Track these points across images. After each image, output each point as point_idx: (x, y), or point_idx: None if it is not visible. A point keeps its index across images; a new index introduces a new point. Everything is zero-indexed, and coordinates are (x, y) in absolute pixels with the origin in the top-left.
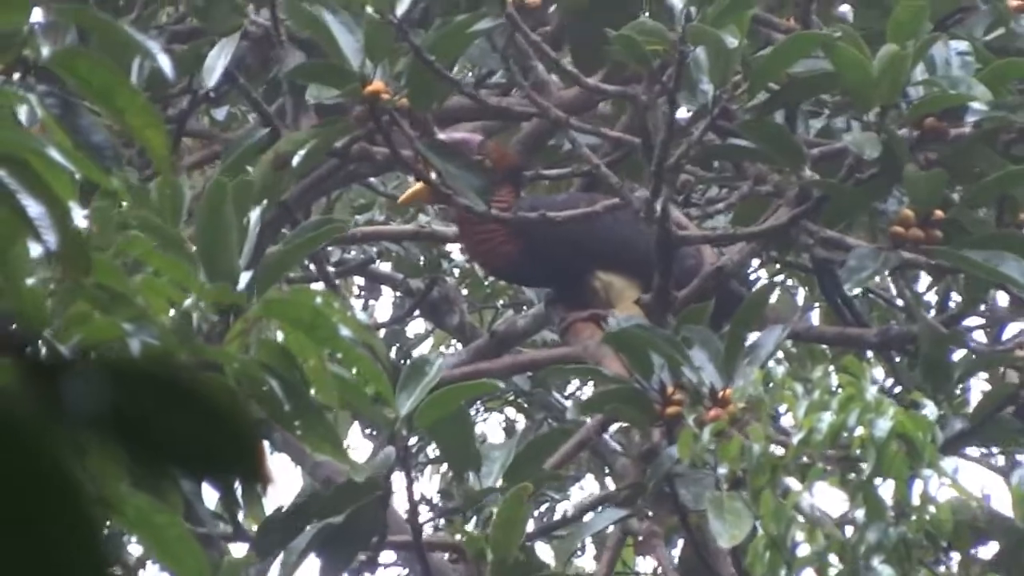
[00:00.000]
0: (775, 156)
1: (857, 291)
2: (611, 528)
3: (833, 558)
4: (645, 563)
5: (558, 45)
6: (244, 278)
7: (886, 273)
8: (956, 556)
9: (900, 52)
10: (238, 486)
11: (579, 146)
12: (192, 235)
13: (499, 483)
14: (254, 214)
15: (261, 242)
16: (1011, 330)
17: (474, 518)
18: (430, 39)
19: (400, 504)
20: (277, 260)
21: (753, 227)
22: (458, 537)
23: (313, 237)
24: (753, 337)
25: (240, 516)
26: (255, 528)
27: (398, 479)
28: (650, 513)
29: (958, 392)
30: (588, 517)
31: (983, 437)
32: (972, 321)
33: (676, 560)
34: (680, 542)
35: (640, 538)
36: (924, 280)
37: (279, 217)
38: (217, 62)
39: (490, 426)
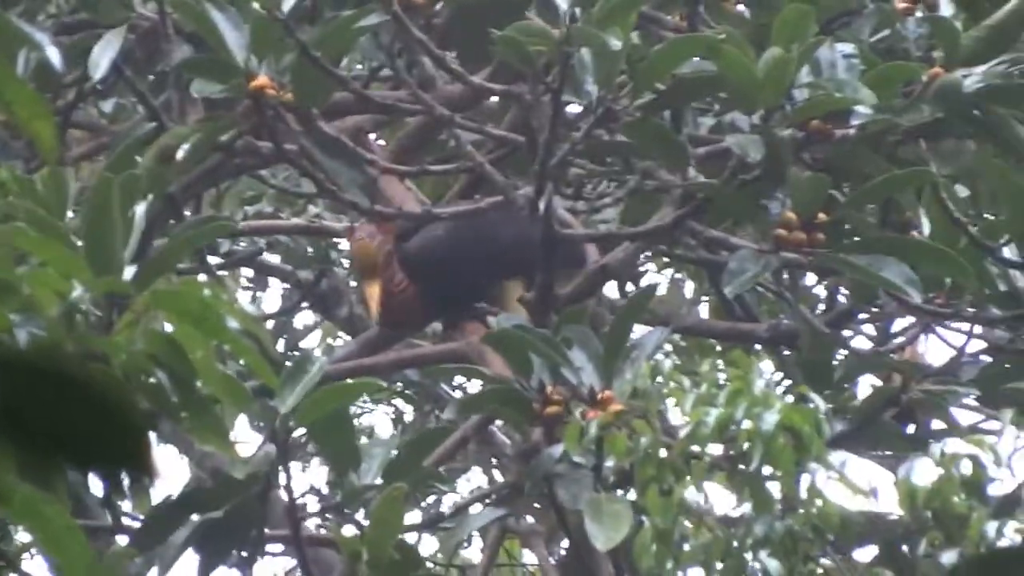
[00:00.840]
0: (659, 156)
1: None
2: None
3: (720, 552)
4: (531, 555)
5: (446, 41)
6: (129, 272)
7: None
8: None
9: (784, 55)
10: (124, 477)
11: (463, 144)
12: (77, 228)
13: (378, 480)
14: (140, 208)
15: (147, 236)
16: (900, 323)
17: (359, 513)
18: (316, 35)
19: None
20: (162, 255)
21: (637, 227)
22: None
23: (197, 233)
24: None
25: (128, 507)
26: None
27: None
28: (530, 513)
29: (845, 392)
30: (474, 509)
31: (863, 440)
32: (862, 315)
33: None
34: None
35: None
36: (812, 276)
37: (165, 211)
38: (104, 55)
39: (378, 417)
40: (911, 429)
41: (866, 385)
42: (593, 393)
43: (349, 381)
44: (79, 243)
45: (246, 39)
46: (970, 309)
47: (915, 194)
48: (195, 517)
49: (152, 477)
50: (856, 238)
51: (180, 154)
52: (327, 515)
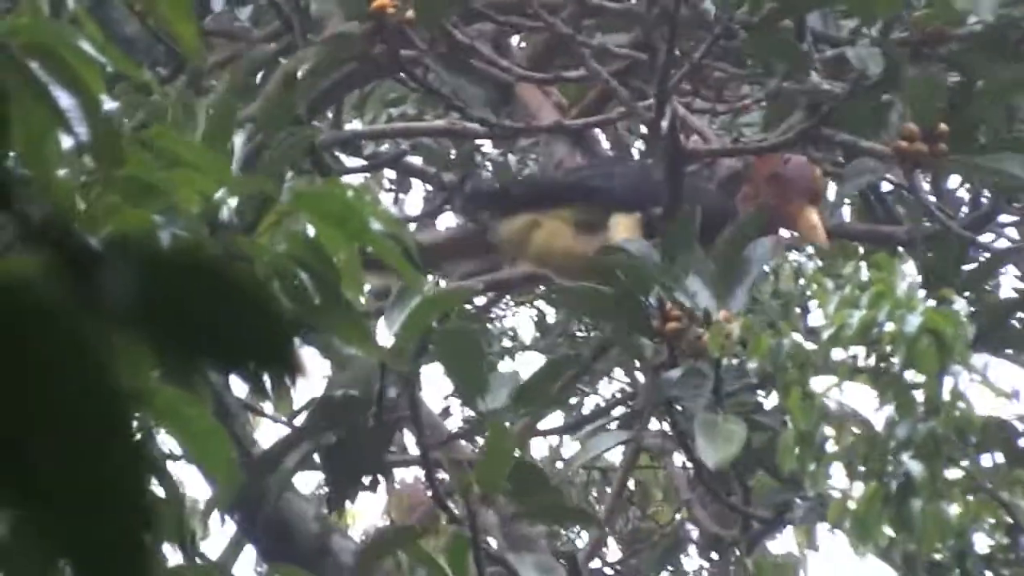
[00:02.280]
0: (782, 66)
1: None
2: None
3: (863, 453)
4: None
5: None
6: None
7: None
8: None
9: None
10: (267, 379)
11: (588, 61)
12: None
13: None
14: (239, 139)
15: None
16: None
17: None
18: None
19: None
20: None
21: (763, 142)
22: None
23: (282, 154)
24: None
25: (270, 408)
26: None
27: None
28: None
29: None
30: (616, 412)
31: (999, 341)
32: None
33: None
34: None
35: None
36: (956, 176)
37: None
38: None
39: (521, 319)
40: None
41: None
42: (708, 316)
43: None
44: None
45: None
46: None
47: None
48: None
49: (298, 376)
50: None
51: (299, 75)
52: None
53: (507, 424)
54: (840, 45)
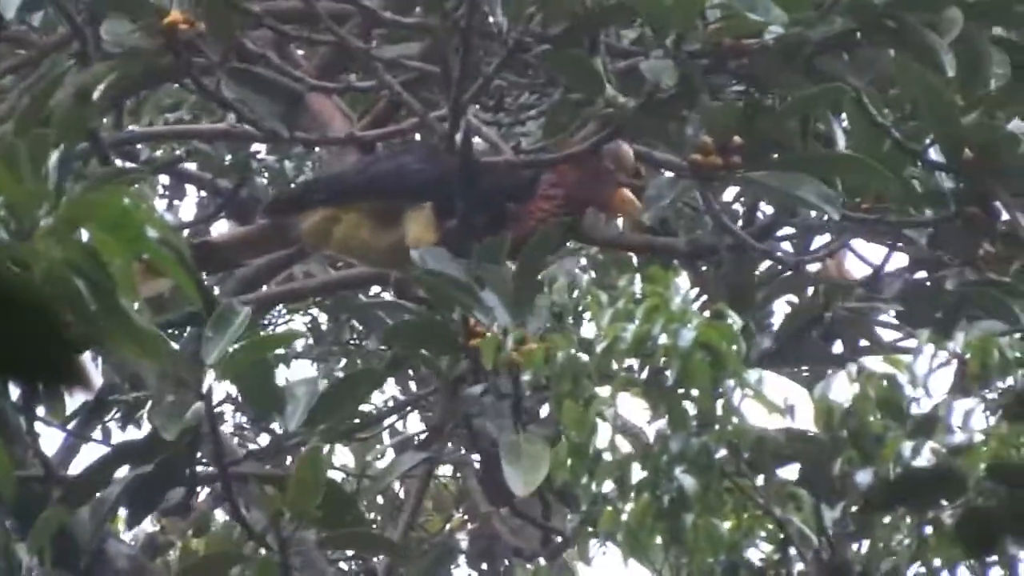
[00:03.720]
0: (575, 84)
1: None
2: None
3: (635, 467)
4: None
5: None
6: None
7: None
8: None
9: None
10: (43, 384)
11: (381, 74)
12: None
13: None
14: (52, 159)
15: (63, 177)
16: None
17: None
18: None
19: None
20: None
21: (556, 152)
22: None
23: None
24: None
25: (42, 412)
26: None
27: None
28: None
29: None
30: (388, 422)
31: (786, 358)
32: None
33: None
34: None
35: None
36: (732, 189)
37: (88, 149)
38: None
39: (294, 326)
40: (835, 346)
41: (784, 303)
42: (506, 333)
43: (274, 333)
44: None
45: None
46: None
47: (830, 108)
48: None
49: (83, 389)
50: (776, 154)
51: (96, 95)
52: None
53: (318, 448)
54: (632, 57)
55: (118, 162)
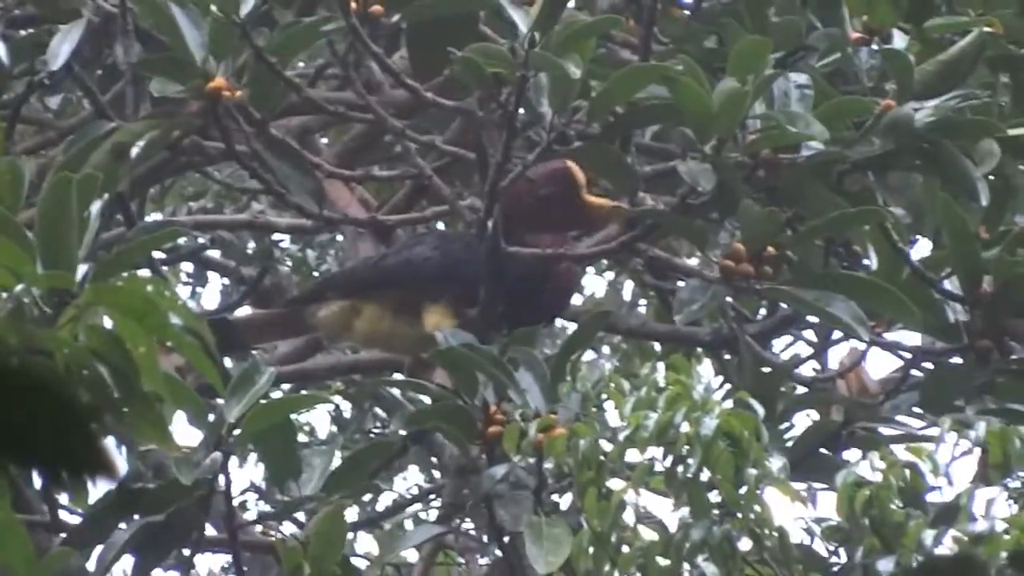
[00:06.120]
0: (608, 180)
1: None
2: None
3: (658, 556)
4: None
5: (396, 44)
6: (81, 270)
7: None
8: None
9: (740, 89)
10: (67, 473)
11: (413, 156)
12: (30, 223)
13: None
14: (95, 207)
15: (100, 231)
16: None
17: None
18: (274, 41)
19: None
20: (117, 257)
21: (583, 249)
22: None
23: (153, 238)
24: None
25: (65, 501)
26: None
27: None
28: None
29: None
30: (412, 509)
31: (802, 471)
32: (799, 348)
33: None
34: None
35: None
36: None
37: (114, 208)
38: (62, 45)
39: (316, 414)
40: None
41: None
42: (536, 417)
43: (301, 392)
44: (31, 238)
45: (204, 39)
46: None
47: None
48: (136, 518)
49: (106, 475)
50: (801, 268)
51: (134, 151)
52: (267, 521)
53: (341, 504)
54: (659, 158)
55: None
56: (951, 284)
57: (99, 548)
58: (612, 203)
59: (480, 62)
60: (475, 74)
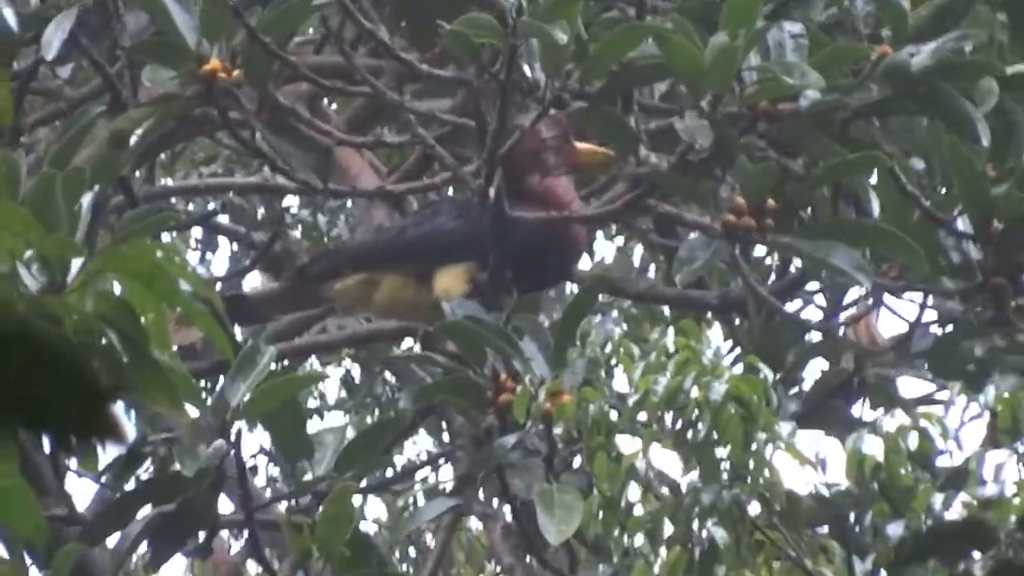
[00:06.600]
0: (609, 140)
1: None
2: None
3: (666, 520)
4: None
5: (393, 25)
6: (76, 264)
7: None
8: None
9: (731, 43)
10: (78, 438)
11: (414, 126)
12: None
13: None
14: (86, 200)
15: (95, 221)
16: (852, 292)
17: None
18: (265, 19)
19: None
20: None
21: (588, 211)
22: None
23: (146, 225)
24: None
25: (74, 465)
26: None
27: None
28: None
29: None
30: (421, 474)
31: (813, 421)
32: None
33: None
34: None
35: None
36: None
37: (117, 193)
38: (55, 35)
39: (328, 381)
40: (860, 405)
41: (815, 366)
42: (542, 384)
43: (300, 372)
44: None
45: (196, 22)
46: (921, 284)
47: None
48: (148, 509)
49: (115, 440)
50: (809, 217)
51: (133, 140)
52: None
53: (348, 486)
54: (662, 115)
55: None
56: (962, 224)
57: (115, 537)
58: (600, 149)
59: (469, 34)
60: (464, 45)
